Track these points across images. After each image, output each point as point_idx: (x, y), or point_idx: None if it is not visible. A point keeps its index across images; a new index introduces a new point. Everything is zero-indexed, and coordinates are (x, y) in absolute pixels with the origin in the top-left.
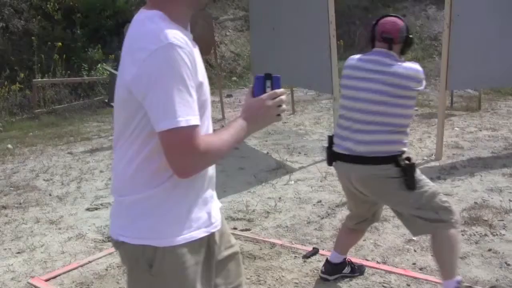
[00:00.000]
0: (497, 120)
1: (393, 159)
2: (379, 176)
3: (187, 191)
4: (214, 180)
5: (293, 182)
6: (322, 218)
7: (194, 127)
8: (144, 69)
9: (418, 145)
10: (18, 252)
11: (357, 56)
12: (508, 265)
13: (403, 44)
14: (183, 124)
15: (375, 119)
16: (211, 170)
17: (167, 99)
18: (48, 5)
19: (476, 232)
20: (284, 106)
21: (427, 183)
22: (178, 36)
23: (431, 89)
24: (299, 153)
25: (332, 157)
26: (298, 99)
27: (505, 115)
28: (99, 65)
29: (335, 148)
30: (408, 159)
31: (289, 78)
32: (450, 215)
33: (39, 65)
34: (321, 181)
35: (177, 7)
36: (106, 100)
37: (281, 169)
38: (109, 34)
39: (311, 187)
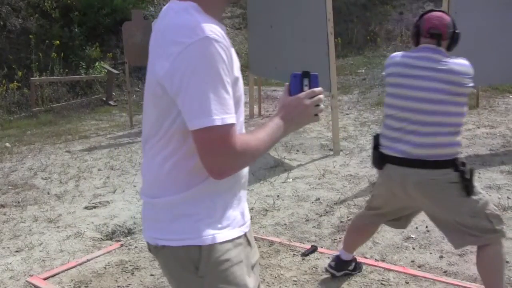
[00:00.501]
0: (495, 117)
1: (452, 162)
2: (439, 181)
3: (223, 190)
4: (247, 180)
5: (291, 180)
6: (321, 216)
7: (230, 126)
8: (178, 64)
9: None
10: (17, 251)
11: (400, 53)
12: (507, 262)
13: (450, 40)
14: (218, 122)
15: (433, 119)
16: (245, 169)
17: (202, 96)
18: (45, 3)
19: None
20: (322, 106)
21: (480, 190)
22: (215, 30)
23: None
24: (297, 151)
25: (382, 160)
26: None
27: (503, 113)
28: (97, 63)
29: (385, 151)
30: (463, 163)
31: (287, 75)
32: (502, 224)
33: (37, 63)
34: (319, 179)
35: None
36: (104, 98)
37: (279, 167)
38: (106, 32)
39: (309, 185)
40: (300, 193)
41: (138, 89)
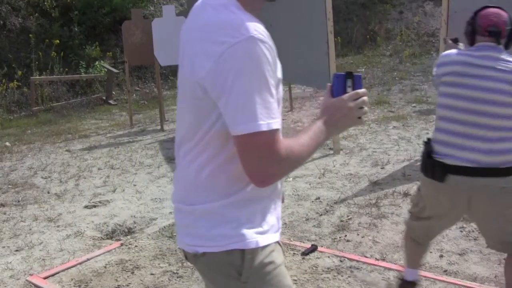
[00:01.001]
0: None
1: None
2: (509, 188)
3: (263, 196)
4: (282, 186)
5: (291, 179)
6: (321, 215)
7: (275, 131)
8: (222, 65)
9: (416, 142)
10: (17, 250)
11: (455, 51)
12: None
13: (508, 38)
14: (264, 128)
15: (499, 122)
16: None
17: (246, 99)
18: (45, 3)
19: (475, 229)
20: (366, 108)
21: None
22: (259, 29)
23: (429, 85)
24: None
25: (443, 170)
26: (296, 96)
27: (352, 96)
28: (97, 62)
29: (447, 160)
30: None
31: (287, 75)
32: None
33: (36, 62)
34: (319, 178)
35: None
36: (104, 98)
37: None
38: (106, 31)
39: (310, 184)
40: (300, 192)
41: (138, 88)
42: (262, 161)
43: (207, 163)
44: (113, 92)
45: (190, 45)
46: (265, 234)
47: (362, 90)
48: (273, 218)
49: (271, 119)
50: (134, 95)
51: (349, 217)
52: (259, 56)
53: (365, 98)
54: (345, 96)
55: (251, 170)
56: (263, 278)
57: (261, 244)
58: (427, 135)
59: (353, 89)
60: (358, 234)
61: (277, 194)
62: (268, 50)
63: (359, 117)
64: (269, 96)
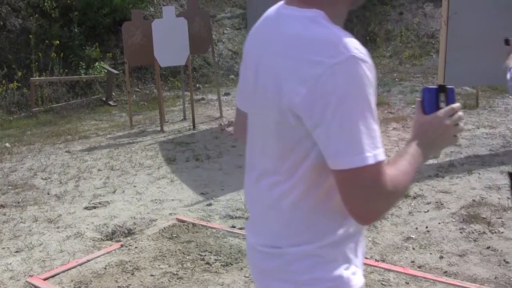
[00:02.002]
0: (494, 117)
1: None
2: None
3: (357, 231)
4: None
5: None
6: None
7: (381, 163)
8: (321, 89)
9: None
10: (17, 251)
11: None
12: (507, 262)
13: None
14: (371, 161)
15: None
16: None
17: (350, 129)
18: (45, 3)
19: (475, 230)
20: (462, 124)
21: None
22: (359, 47)
23: None
24: None
25: None
26: None
27: (502, 113)
28: (97, 63)
29: None
30: None
31: None
32: None
33: (36, 63)
34: None
35: (338, 5)
36: (104, 99)
37: None
38: (106, 32)
39: None
40: None
41: (137, 89)
42: (369, 198)
43: (301, 200)
44: (113, 93)
45: (270, 61)
46: (358, 273)
47: (457, 105)
48: (362, 251)
49: (376, 149)
50: (134, 96)
51: None
52: (362, 79)
53: (460, 113)
54: (440, 112)
55: (356, 208)
56: None
57: (357, 286)
58: None
59: (447, 104)
60: None
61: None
62: (370, 70)
63: (454, 135)
64: (373, 123)
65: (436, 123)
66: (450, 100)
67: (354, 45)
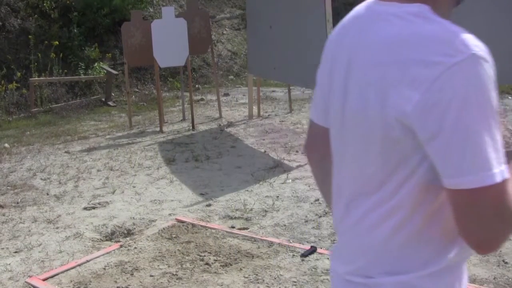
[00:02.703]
0: None
1: None
2: None
3: (464, 258)
4: None
5: (290, 180)
6: (320, 216)
7: (507, 181)
8: (437, 94)
9: None
10: (16, 252)
11: None
12: (506, 263)
13: None
14: (498, 179)
15: None
16: None
17: (476, 140)
18: (44, 4)
19: None
20: None
21: None
22: (479, 44)
23: None
24: (297, 151)
25: None
26: (295, 98)
27: (501, 113)
28: (96, 63)
29: None
30: None
31: (286, 76)
32: None
33: (35, 63)
34: None
35: (444, 0)
36: (103, 99)
37: (278, 167)
38: (106, 32)
39: (309, 186)
40: (299, 194)
41: (137, 90)
42: (491, 223)
43: (403, 225)
44: (112, 94)
45: (367, 68)
46: None
47: None
48: (466, 282)
49: (501, 165)
50: (133, 96)
51: None
52: (485, 81)
53: None
54: None
55: (474, 234)
56: None
57: None
58: None
59: None
60: None
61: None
62: (493, 71)
63: None
64: (497, 133)
65: None
66: None
67: (473, 42)
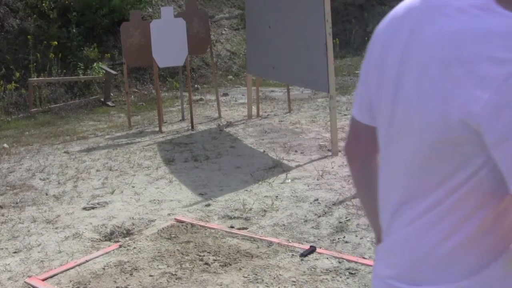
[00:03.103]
0: None
1: None
2: None
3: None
4: None
5: (289, 180)
6: (319, 216)
7: None
8: (509, 95)
9: None
10: (15, 252)
11: None
12: None
13: None
14: None
15: None
16: None
17: None
18: (43, 4)
19: None
20: None
21: None
22: None
23: None
24: (296, 151)
25: None
26: (294, 98)
27: None
28: (95, 64)
29: None
30: None
31: (285, 76)
32: None
33: (34, 64)
34: (317, 180)
35: None
36: (102, 99)
37: (277, 167)
38: (105, 33)
39: (308, 186)
40: (298, 193)
41: (136, 90)
42: None
43: (455, 231)
44: (111, 94)
45: (425, 66)
46: None
47: None
48: None
49: None
50: (132, 96)
51: (347, 219)
52: None
53: None
54: None
55: None
56: None
57: None
58: None
59: None
60: (356, 236)
61: None
62: None
63: None
64: None
65: None
66: None
67: None
